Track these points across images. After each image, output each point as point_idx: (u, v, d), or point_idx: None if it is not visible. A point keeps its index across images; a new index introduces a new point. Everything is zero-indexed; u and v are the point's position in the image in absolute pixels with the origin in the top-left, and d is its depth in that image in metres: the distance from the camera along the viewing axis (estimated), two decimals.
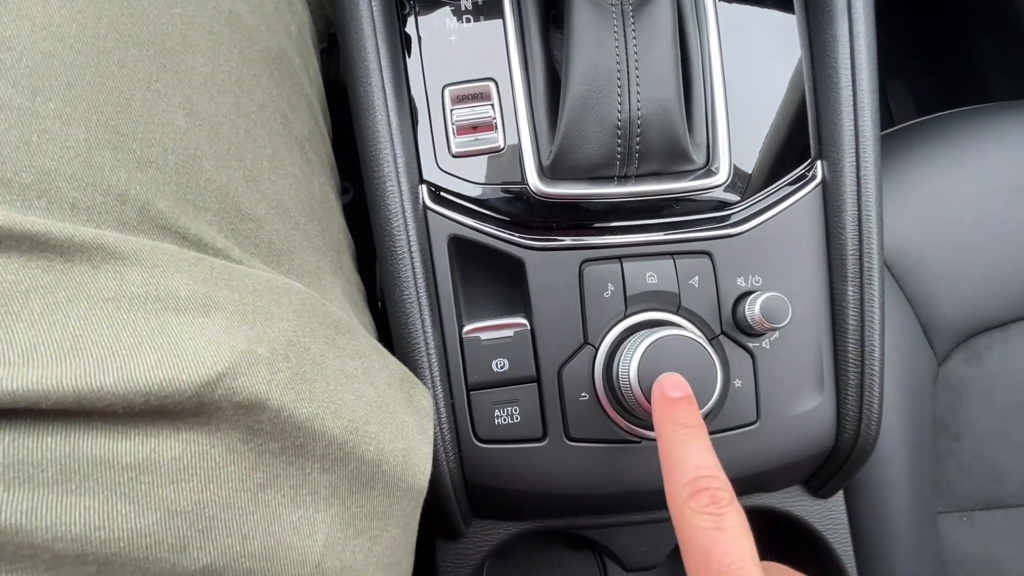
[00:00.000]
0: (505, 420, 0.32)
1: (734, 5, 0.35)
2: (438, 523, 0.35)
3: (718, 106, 0.34)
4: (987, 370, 0.47)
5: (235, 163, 0.22)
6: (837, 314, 0.34)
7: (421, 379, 0.31)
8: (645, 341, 0.29)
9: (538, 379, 0.32)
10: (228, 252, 0.20)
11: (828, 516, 0.39)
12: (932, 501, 0.45)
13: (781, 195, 0.34)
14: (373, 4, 0.32)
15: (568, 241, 0.33)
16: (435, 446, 0.31)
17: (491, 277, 0.33)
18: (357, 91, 0.32)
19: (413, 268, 0.32)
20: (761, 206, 0.34)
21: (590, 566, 0.44)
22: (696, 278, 0.33)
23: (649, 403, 0.29)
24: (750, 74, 0.34)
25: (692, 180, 0.33)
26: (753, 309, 0.31)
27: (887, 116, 0.89)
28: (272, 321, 0.19)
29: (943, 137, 0.50)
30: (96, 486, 0.15)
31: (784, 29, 0.36)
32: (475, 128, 0.33)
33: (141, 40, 0.20)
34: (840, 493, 0.39)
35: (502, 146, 0.33)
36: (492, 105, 0.33)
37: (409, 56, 0.33)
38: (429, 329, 0.32)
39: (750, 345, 0.33)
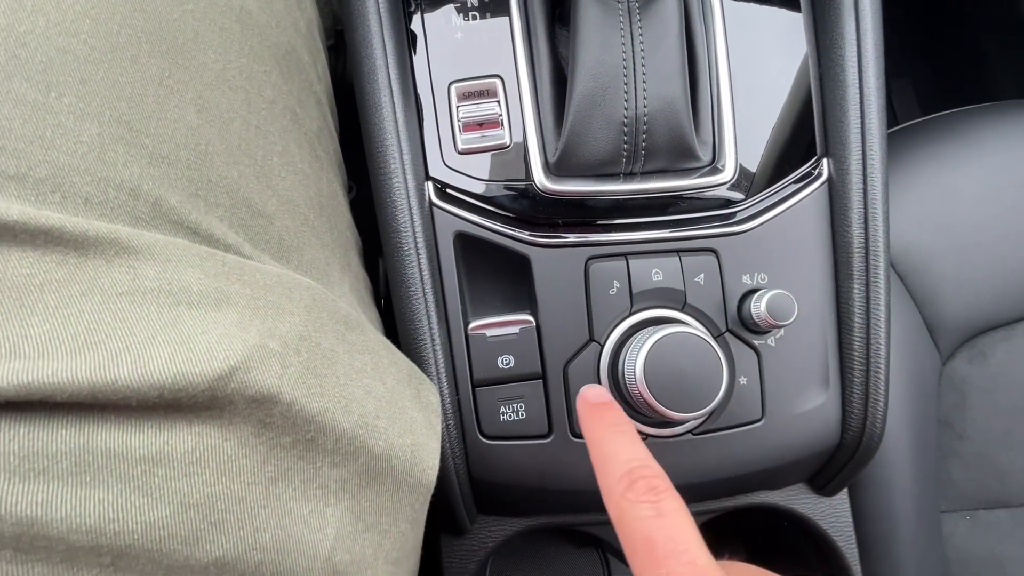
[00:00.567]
0: (511, 417, 0.32)
1: (740, 3, 0.35)
2: (443, 519, 0.35)
3: (724, 104, 0.33)
4: (992, 369, 0.47)
5: (246, 159, 0.22)
6: (843, 312, 0.34)
7: (427, 375, 0.31)
8: (651, 338, 0.29)
9: (544, 376, 0.32)
10: (239, 248, 0.20)
11: (832, 514, 0.39)
12: (936, 500, 0.45)
13: (787, 193, 0.34)
14: (380, 1, 0.32)
15: (574, 238, 0.33)
16: (441, 443, 0.32)
17: (497, 274, 0.33)
18: (364, 88, 0.33)
19: (419, 265, 0.32)
20: (767, 204, 0.34)
21: (594, 563, 0.44)
22: (702, 275, 0.33)
23: (656, 401, 0.29)
24: (756, 72, 0.34)
25: (698, 177, 0.33)
26: (759, 306, 0.31)
27: (891, 115, 0.89)
28: (283, 316, 0.19)
29: (949, 135, 0.50)
30: (110, 478, 0.15)
31: (790, 27, 0.36)
32: (481, 125, 0.33)
33: (153, 36, 0.20)
34: (844, 491, 0.39)
35: (508, 143, 0.33)
36: (498, 102, 0.33)
37: (415, 53, 0.33)
38: (435, 326, 0.32)
39: (755, 342, 0.33)
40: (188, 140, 0.20)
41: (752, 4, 0.35)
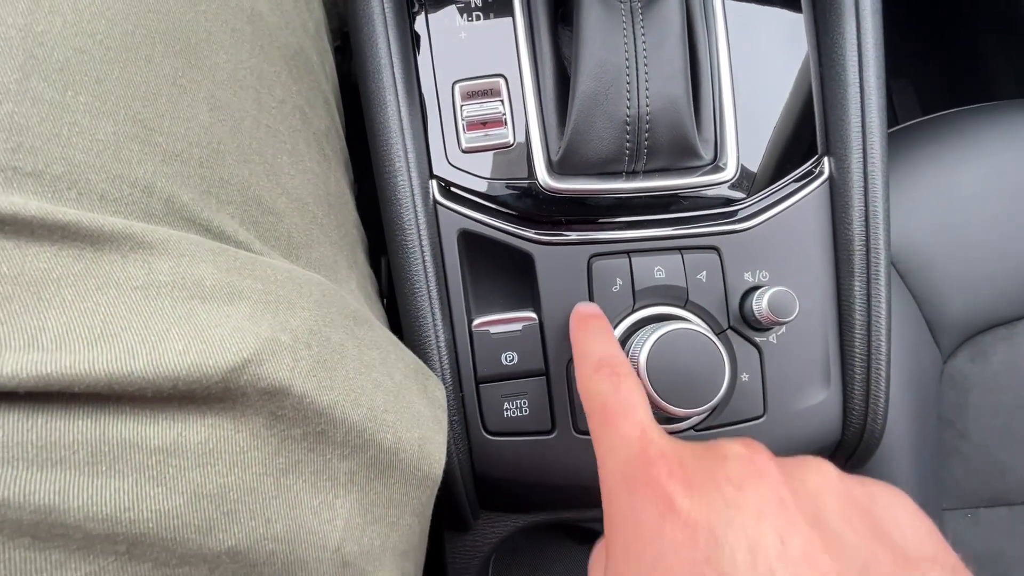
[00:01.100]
0: (514, 413, 0.33)
1: (742, 3, 0.35)
2: (447, 515, 0.35)
3: (726, 103, 0.34)
4: (993, 367, 0.47)
5: (256, 158, 0.22)
6: (844, 309, 0.35)
7: (432, 371, 0.31)
8: (654, 335, 0.29)
9: (547, 372, 0.33)
10: (249, 244, 0.21)
11: None
12: (937, 498, 0.45)
13: (788, 191, 0.35)
14: (385, 2, 0.33)
15: (577, 236, 0.33)
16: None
17: (500, 271, 0.33)
18: (368, 87, 0.33)
19: (424, 262, 0.32)
20: (768, 202, 0.34)
21: None
22: (704, 273, 0.33)
23: (659, 397, 0.29)
24: (758, 71, 0.35)
25: (700, 176, 0.33)
26: (760, 303, 0.31)
27: (891, 115, 0.89)
28: (294, 310, 0.19)
29: (950, 135, 0.50)
30: (126, 468, 0.16)
31: (791, 26, 0.36)
32: (485, 124, 0.33)
33: (167, 36, 0.20)
34: None
35: (511, 142, 0.33)
36: (502, 101, 0.33)
37: (419, 53, 0.34)
38: (439, 322, 0.32)
39: (757, 339, 0.33)
40: (201, 138, 0.20)
41: (753, 4, 0.35)
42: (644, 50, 0.31)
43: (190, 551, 0.16)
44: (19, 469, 0.14)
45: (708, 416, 0.33)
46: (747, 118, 0.34)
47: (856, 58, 0.34)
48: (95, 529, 0.15)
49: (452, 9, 0.34)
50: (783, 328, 0.33)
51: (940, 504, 0.45)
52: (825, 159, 0.35)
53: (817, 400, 0.34)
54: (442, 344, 0.32)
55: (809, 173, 0.35)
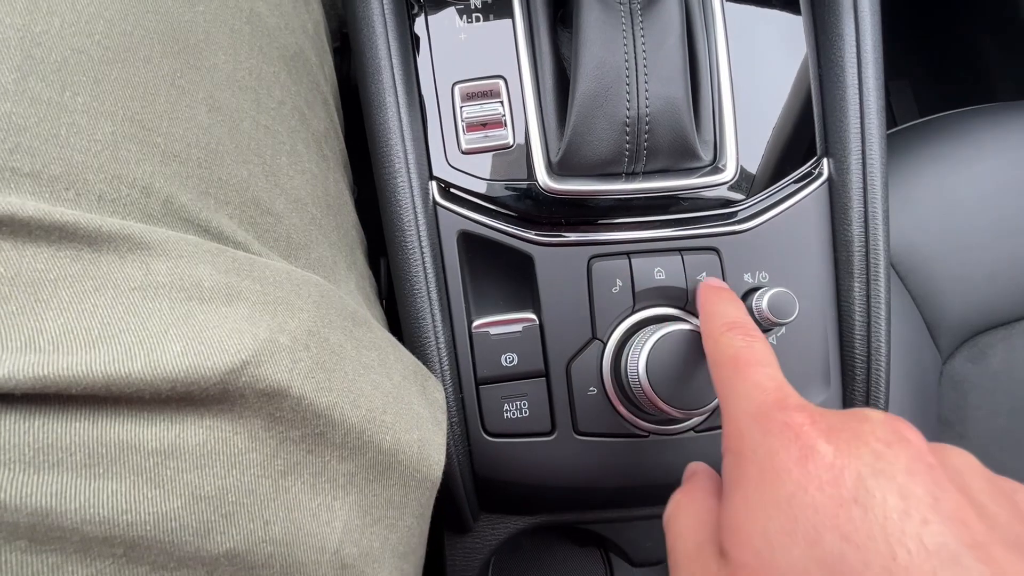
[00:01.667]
0: (514, 414, 0.32)
1: (741, 5, 0.35)
2: (447, 516, 0.35)
3: (725, 104, 0.34)
4: (992, 368, 0.47)
5: (255, 158, 0.22)
6: (843, 310, 0.35)
7: (431, 373, 0.31)
8: (654, 336, 0.29)
9: (547, 373, 0.32)
10: (248, 245, 0.21)
11: None
12: None
13: (787, 192, 0.35)
14: (384, 3, 0.33)
15: (577, 237, 0.33)
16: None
17: (500, 272, 0.33)
18: (368, 89, 0.33)
19: (423, 263, 0.32)
20: (768, 203, 0.34)
21: (596, 563, 0.44)
22: (704, 274, 0.33)
23: (659, 398, 0.29)
24: (757, 72, 0.35)
25: (699, 177, 0.33)
26: (760, 304, 0.31)
27: (890, 116, 0.89)
28: (293, 312, 0.19)
29: (949, 136, 0.50)
30: (123, 470, 0.16)
31: (790, 28, 0.36)
32: (484, 125, 0.33)
33: (165, 37, 0.20)
34: None
35: (511, 143, 0.33)
36: (501, 102, 0.33)
37: (419, 54, 0.34)
38: (439, 323, 0.32)
39: None
40: (199, 139, 0.20)
41: (752, 6, 0.35)
42: (644, 51, 0.31)
43: (188, 553, 0.16)
44: (16, 471, 0.14)
45: (708, 417, 0.33)
46: (746, 119, 0.34)
47: (855, 60, 0.34)
48: (92, 532, 0.15)
49: (452, 10, 0.34)
50: (783, 329, 0.33)
51: None
52: (824, 160, 0.35)
53: (817, 401, 0.34)
54: (442, 345, 0.32)
55: (808, 174, 0.35)
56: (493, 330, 0.33)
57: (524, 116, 0.33)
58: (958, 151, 0.49)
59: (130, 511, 0.15)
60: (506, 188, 0.33)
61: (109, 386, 0.15)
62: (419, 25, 0.34)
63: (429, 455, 0.23)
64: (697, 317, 0.33)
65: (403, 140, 0.32)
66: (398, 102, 0.32)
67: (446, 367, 0.32)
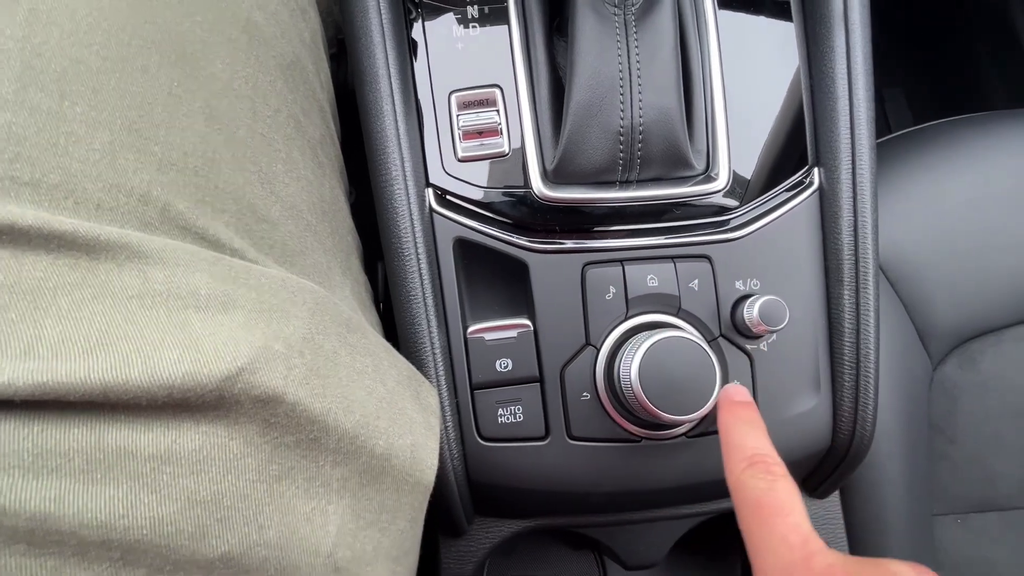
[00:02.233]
0: (508, 419, 0.33)
1: (734, 15, 0.36)
2: (441, 520, 0.35)
3: (718, 114, 0.34)
4: (981, 375, 0.47)
5: (251, 166, 0.22)
6: (833, 317, 0.35)
7: (427, 378, 0.32)
8: (646, 342, 0.30)
9: (541, 379, 0.33)
10: (244, 252, 0.21)
11: (824, 516, 0.39)
12: (928, 503, 0.45)
13: (779, 201, 0.35)
14: (382, 11, 0.33)
15: (571, 244, 0.33)
16: (440, 444, 0.32)
17: (495, 279, 0.34)
18: (365, 96, 0.33)
19: (419, 269, 0.32)
20: (759, 211, 0.35)
21: (590, 566, 0.44)
22: (696, 281, 0.33)
23: (651, 403, 0.29)
24: (749, 83, 0.35)
25: (692, 186, 0.34)
26: (751, 312, 0.32)
27: (884, 125, 0.90)
28: (288, 319, 0.20)
29: (941, 144, 0.51)
30: (120, 476, 0.16)
31: (783, 39, 0.36)
32: (480, 133, 0.34)
33: (163, 47, 0.20)
34: (836, 494, 0.40)
35: (507, 151, 0.33)
36: (497, 111, 0.34)
37: (416, 62, 0.34)
38: (435, 329, 0.32)
39: (748, 347, 0.34)
40: (196, 148, 0.21)
41: (746, 17, 0.36)
42: (637, 62, 0.32)
43: (184, 557, 0.16)
44: (15, 477, 0.14)
45: (700, 423, 0.33)
46: (739, 129, 0.34)
47: (845, 71, 0.35)
48: (90, 536, 0.15)
49: (449, 19, 0.34)
50: (773, 336, 0.34)
51: (930, 510, 0.45)
52: (815, 170, 0.36)
53: (807, 407, 0.35)
54: (437, 351, 0.32)
55: (800, 183, 0.36)
56: (488, 336, 0.33)
57: (520, 125, 0.33)
58: (950, 159, 0.50)
59: (127, 515, 0.16)
60: (501, 195, 0.33)
61: (107, 393, 0.16)
62: (416, 33, 0.34)
63: (422, 460, 0.23)
64: (690, 325, 0.34)
65: (400, 147, 0.33)
66: (395, 110, 0.33)
67: (441, 372, 0.32)
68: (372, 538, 0.21)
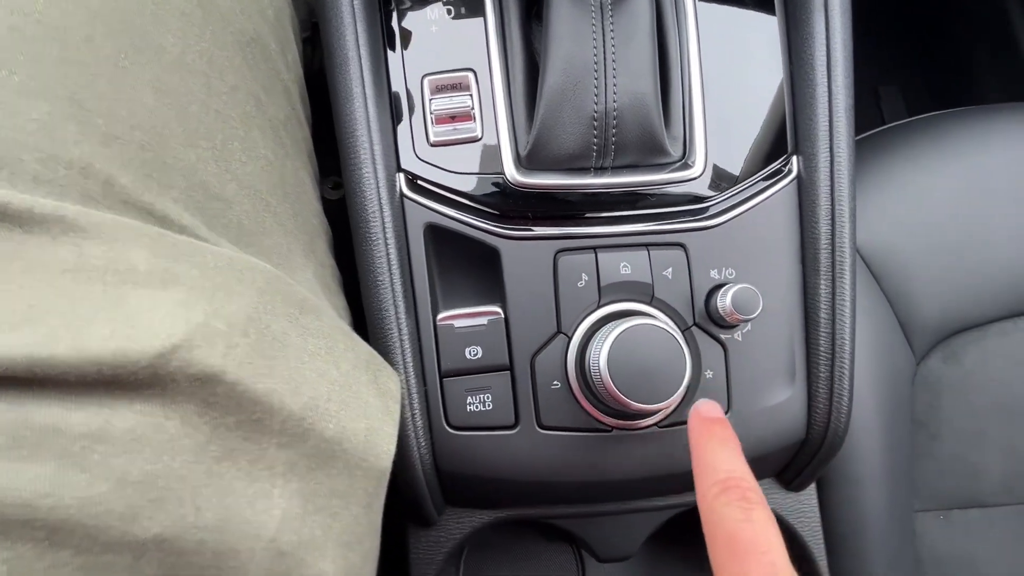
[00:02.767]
0: (477, 407, 0.32)
1: (713, 1, 0.35)
2: (410, 510, 0.35)
3: (695, 100, 0.34)
4: (965, 369, 0.47)
5: (204, 143, 0.22)
6: (809, 307, 0.35)
7: (393, 365, 0.31)
8: (615, 330, 0.29)
9: (511, 367, 0.32)
10: (195, 229, 0.20)
11: (799, 509, 0.39)
12: (909, 499, 0.45)
13: (756, 189, 0.34)
14: None
15: (543, 231, 0.33)
16: (407, 433, 0.32)
17: (466, 265, 0.33)
18: (336, 79, 0.33)
19: (388, 255, 0.32)
20: (736, 200, 0.34)
21: (567, 558, 0.44)
22: (670, 270, 0.33)
23: (619, 392, 0.29)
24: (728, 69, 0.35)
25: (668, 173, 0.33)
26: (724, 301, 0.31)
27: (879, 120, 0.89)
28: (232, 297, 0.19)
29: (929, 137, 0.50)
30: (47, 454, 0.15)
31: (763, 25, 0.36)
32: (454, 118, 0.33)
33: (109, 17, 0.20)
34: (812, 487, 0.39)
35: (480, 136, 0.33)
36: (471, 95, 0.33)
37: (389, 45, 0.34)
38: (403, 316, 0.32)
39: (722, 336, 0.33)
40: (144, 121, 0.20)
41: (725, 3, 0.35)
42: (613, 46, 0.31)
43: (113, 539, 0.16)
44: None
45: (672, 413, 0.33)
46: (717, 116, 0.34)
47: (824, 58, 0.34)
48: (12, 515, 0.15)
49: (424, 2, 0.34)
50: (748, 325, 0.33)
51: (912, 506, 0.45)
52: (794, 158, 0.35)
53: (782, 398, 0.34)
54: (405, 337, 0.32)
55: (778, 172, 0.35)
56: (458, 323, 0.33)
57: (493, 110, 0.33)
58: (937, 153, 0.49)
59: (52, 494, 0.15)
60: (474, 181, 0.33)
61: (32, 368, 0.15)
62: (390, 15, 0.34)
63: (377, 444, 0.23)
64: (663, 313, 0.33)
65: (369, 131, 0.32)
66: (365, 93, 0.32)
67: (409, 359, 0.32)
68: (322, 523, 0.21)
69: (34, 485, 0.15)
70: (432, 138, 0.33)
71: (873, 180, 0.48)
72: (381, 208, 0.32)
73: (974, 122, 0.51)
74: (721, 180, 0.34)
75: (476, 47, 0.33)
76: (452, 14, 0.34)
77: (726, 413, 0.33)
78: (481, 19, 0.34)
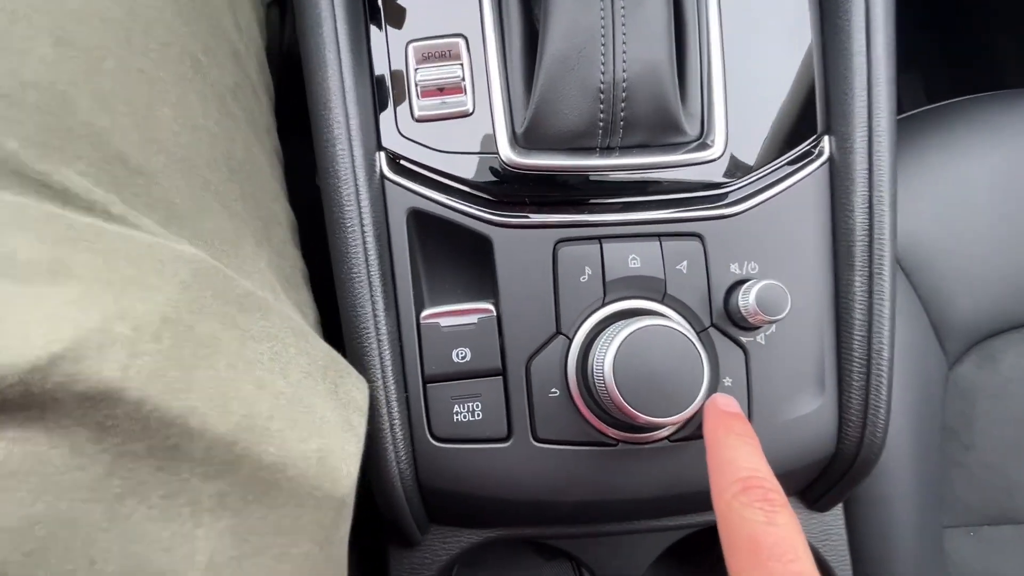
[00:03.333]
0: (465, 417, 0.29)
1: None
2: (390, 529, 0.31)
3: (715, 71, 0.30)
4: (1002, 375, 0.44)
5: (122, 107, 0.18)
6: (842, 307, 0.31)
7: (369, 369, 0.28)
8: (623, 332, 0.26)
9: (504, 372, 0.29)
10: (107, 206, 0.17)
11: (825, 531, 0.36)
12: (938, 516, 0.42)
13: (783, 173, 0.31)
14: None
15: (542, 218, 0.30)
16: (384, 445, 0.28)
17: (455, 257, 0.30)
18: (307, 44, 0.29)
19: (364, 244, 0.28)
20: (760, 185, 0.31)
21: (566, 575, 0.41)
22: (684, 263, 0.30)
23: (626, 403, 0.26)
24: (752, 37, 0.31)
25: (683, 154, 0.30)
26: (747, 299, 0.28)
27: (898, 108, 0.85)
28: (144, 293, 0.16)
29: (961, 123, 0.46)
30: None
31: None
32: (441, 90, 0.30)
33: None
34: (839, 507, 0.36)
35: (471, 110, 0.30)
36: (461, 64, 0.30)
37: (370, 8, 0.30)
38: (381, 313, 0.28)
39: (743, 339, 0.30)
40: (39, 78, 0.16)
41: None
42: (623, 8, 0.27)
43: None
44: None
45: (685, 425, 0.29)
46: (738, 90, 0.30)
47: (863, 23, 0.30)
48: None
49: None
50: (772, 327, 0.30)
51: (941, 521, 0.42)
52: (825, 138, 0.32)
53: (809, 409, 0.31)
54: (383, 337, 0.28)
55: (807, 154, 0.32)
56: (444, 321, 0.29)
57: (487, 80, 0.29)
58: (970, 139, 0.45)
59: None
60: (464, 161, 0.30)
61: None
62: None
63: (334, 467, 0.19)
64: (677, 312, 0.30)
65: (345, 104, 0.29)
66: (340, 60, 0.29)
67: (388, 363, 0.28)
68: (263, 567, 0.17)
69: None
70: (417, 113, 0.29)
71: (903, 167, 0.44)
72: (357, 191, 0.28)
73: (1012, 105, 0.47)
74: (743, 163, 0.30)
75: (468, 10, 0.30)
76: None
77: None
78: None
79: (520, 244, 0.29)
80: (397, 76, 0.30)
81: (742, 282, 0.29)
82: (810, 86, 0.32)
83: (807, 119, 0.32)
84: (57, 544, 0.13)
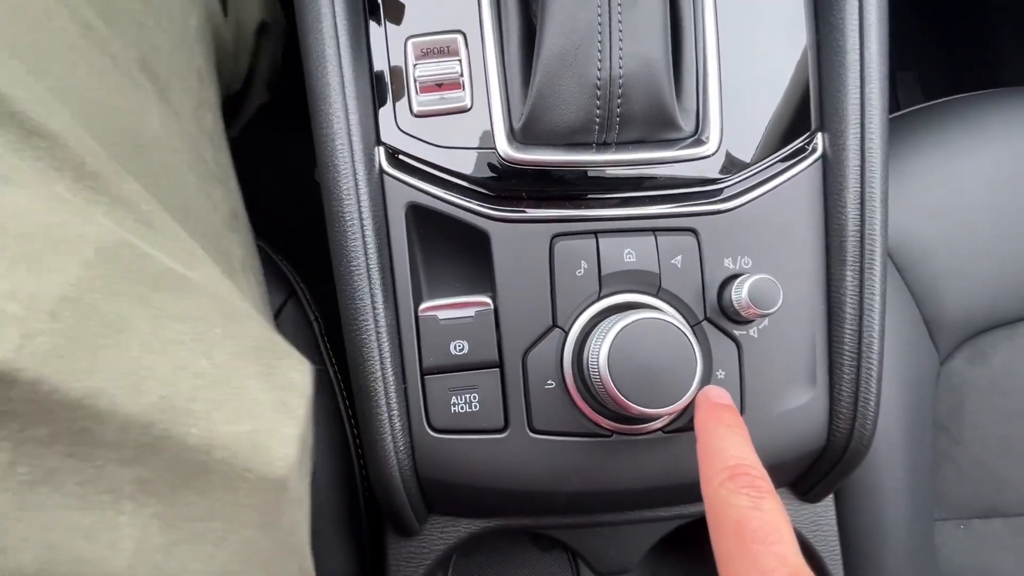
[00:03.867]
0: (463, 408, 0.29)
1: None
2: (388, 519, 0.32)
3: (710, 68, 0.30)
4: (993, 371, 0.44)
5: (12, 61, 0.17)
6: (834, 302, 0.31)
7: (368, 361, 0.28)
8: (617, 324, 0.26)
9: (500, 364, 0.29)
10: (5, 173, 0.15)
11: (816, 522, 0.36)
12: (930, 509, 0.42)
13: (777, 169, 0.31)
14: None
15: (538, 213, 0.30)
16: (383, 435, 0.29)
17: (452, 250, 0.30)
18: (307, 40, 0.29)
19: (364, 238, 0.29)
20: (754, 181, 0.31)
21: (563, 566, 0.41)
22: (679, 257, 0.30)
23: (620, 394, 0.26)
24: (747, 34, 0.31)
25: (679, 149, 0.30)
26: (740, 293, 0.28)
27: (895, 107, 0.85)
28: (41, 272, 0.15)
29: (955, 121, 0.47)
30: None
31: None
32: (440, 86, 0.30)
33: None
34: (830, 498, 0.36)
35: (469, 106, 0.30)
36: (460, 60, 0.30)
37: (369, 3, 0.30)
38: (380, 306, 0.29)
39: (736, 333, 0.30)
40: None
41: None
42: (619, 5, 0.28)
43: None
44: None
45: (678, 417, 0.30)
46: (733, 87, 0.31)
47: (856, 22, 0.31)
48: None
49: None
50: (765, 321, 0.30)
51: (931, 515, 0.42)
52: (819, 135, 0.32)
53: (801, 401, 0.31)
54: (382, 330, 0.29)
55: (801, 150, 0.32)
56: (442, 314, 0.29)
57: (485, 77, 0.30)
58: (963, 136, 0.46)
59: None
60: (462, 156, 0.30)
61: None
62: None
63: (268, 449, 0.19)
64: (671, 306, 0.30)
65: (344, 98, 0.29)
66: (340, 54, 0.29)
67: (387, 355, 0.29)
68: (198, 553, 0.17)
69: None
70: (416, 108, 0.30)
71: (896, 164, 0.44)
72: (357, 185, 0.29)
73: (1004, 103, 0.47)
74: (737, 159, 0.31)
75: (466, 7, 0.30)
76: None
77: None
78: None
79: (517, 238, 0.29)
80: (396, 72, 0.30)
81: (735, 276, 0.29)
82: (804, 83, 0.32)
83: (801, 116, 0.32)
84: None
